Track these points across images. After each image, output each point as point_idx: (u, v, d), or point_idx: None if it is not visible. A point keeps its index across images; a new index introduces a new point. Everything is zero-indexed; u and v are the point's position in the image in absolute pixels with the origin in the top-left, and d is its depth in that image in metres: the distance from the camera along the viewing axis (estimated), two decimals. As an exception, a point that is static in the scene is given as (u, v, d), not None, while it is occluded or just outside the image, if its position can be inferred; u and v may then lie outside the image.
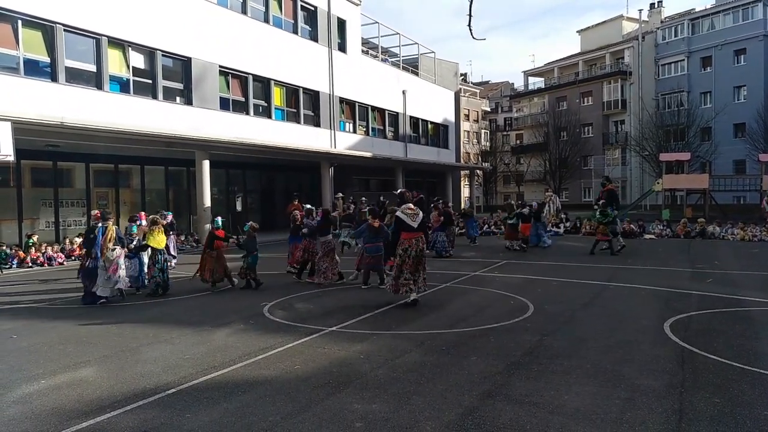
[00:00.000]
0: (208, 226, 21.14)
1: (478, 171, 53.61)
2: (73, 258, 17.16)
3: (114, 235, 10.06)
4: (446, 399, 5.09)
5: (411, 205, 9.36)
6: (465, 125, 60.65)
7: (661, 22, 51.72)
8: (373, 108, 32.19)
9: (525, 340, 7.04)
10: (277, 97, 25.20)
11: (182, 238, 20.54)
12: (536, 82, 63.04)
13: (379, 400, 5.10)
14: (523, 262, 15.03)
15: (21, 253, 16.40)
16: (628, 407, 4.85)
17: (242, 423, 4.65)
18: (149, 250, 10.84)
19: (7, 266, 15.59)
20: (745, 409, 4.79)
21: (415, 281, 9.11)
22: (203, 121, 20.76)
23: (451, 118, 41.56)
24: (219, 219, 12.14)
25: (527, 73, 64.28)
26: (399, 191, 8.92)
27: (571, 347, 6.72)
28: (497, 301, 9.77)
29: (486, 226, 26.09)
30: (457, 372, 5.84)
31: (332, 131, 28.04)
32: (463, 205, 40.46)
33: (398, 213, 9.26)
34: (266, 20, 24.34)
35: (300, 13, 26.32)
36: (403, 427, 4.52)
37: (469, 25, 10.40)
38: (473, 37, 11.56)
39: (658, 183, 33.89)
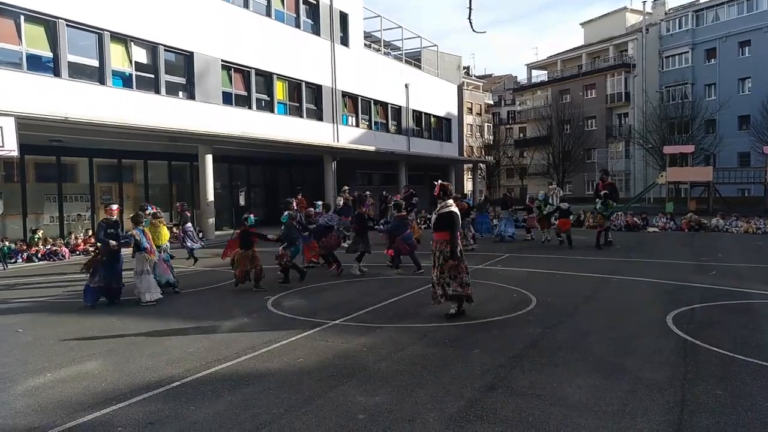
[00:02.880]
0: (211, 220, 21.32)
1: (481, 164, 53.52)
2: (77, 252, 17.25)
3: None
4: (449, 391, 5.12)
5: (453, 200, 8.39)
6: (468, 118, 60.55)
7: (665, 13, 51.46)
8: (376, 102, 32.16)
9: (528, 333, 7.06)
10: (280, 91, 25.19)
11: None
12: (539, 75, 62.85)
13: (382, 392, 5.13)
14: (525, 256, 15.03)
15: (24, 246, 16.49)
16: (630, 399, 4.87)
17: (246, 415, 4.69)
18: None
19: (12, 261, 15.68)
20: (747, 400, 4.80)
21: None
22: (206, 116, 20.77)
23: (454, 111, 41.48)
24: (252, 216, 11.34)
25: (530, 66, 64.07)
26: (442, 183, 8.30)
27: (573, 340, 6.73)
28: (500, 294, 9.79)
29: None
30: (460, 364, 5.87)
31: (335, 125, 28.04)
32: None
33: (452, 208, 8.05)
34: (268, 14, 24.31)
35: (302, 7, 26.28)
36: (406, 419, 4.55)
37: (469, 17, 10.35)
38: (473, 30, 11.58)
39: (661, 176, 33.87)
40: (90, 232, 18.76)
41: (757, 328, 7.18)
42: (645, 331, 7.10)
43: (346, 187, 21.01)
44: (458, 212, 8.13)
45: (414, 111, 35.62)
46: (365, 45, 31.72)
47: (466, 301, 8.07)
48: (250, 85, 23.46)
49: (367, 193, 20.98)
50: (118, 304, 9.44)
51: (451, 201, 8.15)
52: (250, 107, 23.41)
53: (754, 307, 8.44)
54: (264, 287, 10.45)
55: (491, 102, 72.46)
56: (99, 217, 19.91)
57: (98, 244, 9.92)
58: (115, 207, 10.20)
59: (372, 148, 29.28)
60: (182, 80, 20.73)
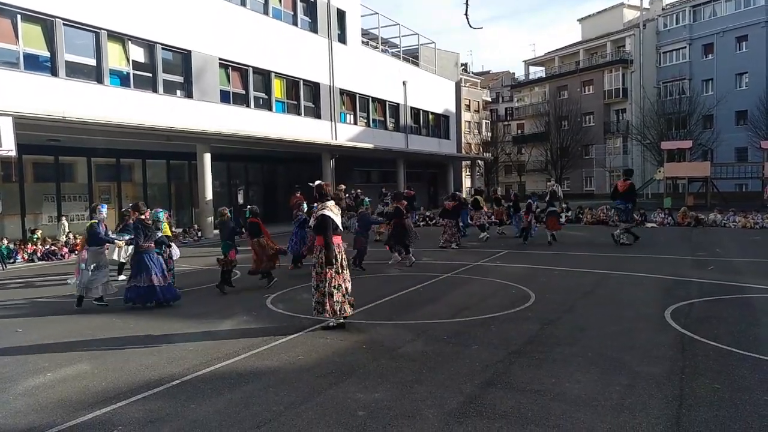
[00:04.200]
0: (210, 219, 21.30)
1: (479, 161, 53.54)
2: (76, 252, 17.22)
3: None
4: (448, 387, 5.13)
5: (333, 202, 7.58)
6: (466, 115, 60.58)
7: (663, 9, 51.45)
8: (374, 99, 32.15)
9: (526, 329, 7.07)
10: (278, 89, 25.17)
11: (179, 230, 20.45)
12: (537, 72, 62.84)
13: (381, 389, 5.15)
14: (524, 252, 15.05)
15: (21, 247, 16.48)
16: (628, 393, 4.89)
17: (246, 413, 4.70)
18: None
19: (11, 261, 15.66)
20: (744, 394, 4.82)
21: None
22: (204, 114, 20.76)
23: (452, 108, 41.49)
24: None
25: (528, 63, 64.09)
26: (317, 183, 7.65)
27: (572, 335, 6.75)
28: (499, 290, 9.81)
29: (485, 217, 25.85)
30: (459, 361, 5.88)
31: (333, 123, 28.02)
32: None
33: (325, 211, 7.30)
34: (266, 12, 24.28)
35: (299, 5, 26.25)
36: (405, 415, 4.57)
37: (466, 13, 10.34)
38: (470, 26, 11.60)
39: (659, 171, 33.92)
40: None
41: (754, 322, 7.21)
42: (643, 325, 7.12)
43: (343, 186, 21.03)
44: (333, 215, 7.28)
45: (412, 108, 35.61)
46: (363, 42, 31.69)
47: (333, 317, 7.28)
48: (248, 84, 23.44)
49: (359, 191, 21.14)
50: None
51: (330, 203, 7.44)
52: (248, 105, 23.38)
53: (752, 302, 8.46)
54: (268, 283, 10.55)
55: (489, 99, 72.49)
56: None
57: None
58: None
59: (370, 146, 29.27)
60: (180, 79, 20.70)
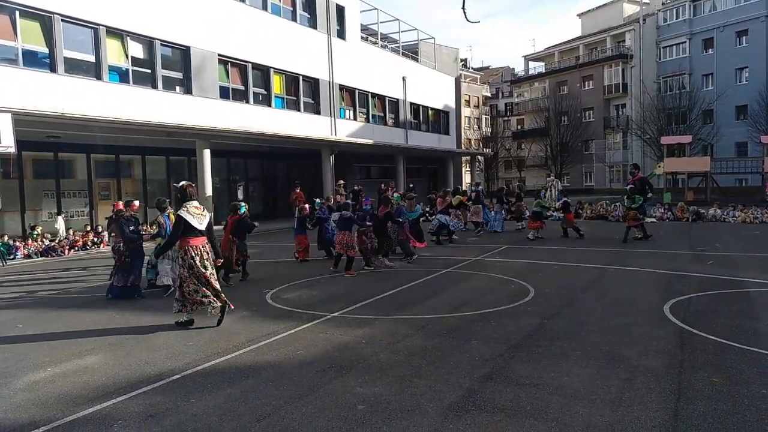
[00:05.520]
0: (210, 215, 21.31)
1: (479, 157, 53.48)
2: (76, 248, 17.26)
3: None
4: (447, 381, 5.15)
5: (197, 203, 7.49)
6: (466, 111, 60.47)
7: (663, 3, 51.30)
8: (373, 95, 32.09)
9: (526, 324, 7.09)
10: (277, 85, 25.14)
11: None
12: (537, 67, 62.77)
13: (381, 383, 5.16)
14: (524, 247, 15.06)
15: (21, 243, 16.49)
16: (627, 387, 4.90)
17: (246, 407, 4.72)
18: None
19: (11, 257, 15.68)
20: (743, 387, 4.83)
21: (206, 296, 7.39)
22: (203, 111, 20.74)
23: (452, 104, 41.43)
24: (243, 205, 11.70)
25: (527, 58, 63.97)
26: (180, 184, 7.62)
27: (571, 330, 6.76)
28: (498, 285, 9.82)
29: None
30: (458, 355, 5.90)
31: (332, 119, 28.00)
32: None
33: (181, 212, 7.30)
34: (264, 8, 24.23)
35: (298, 0, 26.19)
36: (405, 409, 4.58)
37: (463, 7, 10.33)
38: (467, 20, 11.56)
39: (659, 166, 33.86)
40: (88, 228, 18.76)
41: (753, 316, 7.22)
42: (642, 320, 7.13)
43: (342, 182, 21.01)
44: (190, 217, 7.24)
45: (411, 104, 35.56)
46: (362, 38, 31.62)
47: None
48: (247, 80, 23.41)
49: (359, 187, 21.06)
50: (140, 298, 9.49)
51: (192, 203, 7.39)
52: (247, 101, 23.36)
53: (751, 296, 8.48)
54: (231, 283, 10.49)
55: (489, 94, 72.33)
56: (98, 212, 19.98)
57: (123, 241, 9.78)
58: (136, 203, 10.47)
59: (370, 142, 29.26)
60: (179, 75, 20.67)
